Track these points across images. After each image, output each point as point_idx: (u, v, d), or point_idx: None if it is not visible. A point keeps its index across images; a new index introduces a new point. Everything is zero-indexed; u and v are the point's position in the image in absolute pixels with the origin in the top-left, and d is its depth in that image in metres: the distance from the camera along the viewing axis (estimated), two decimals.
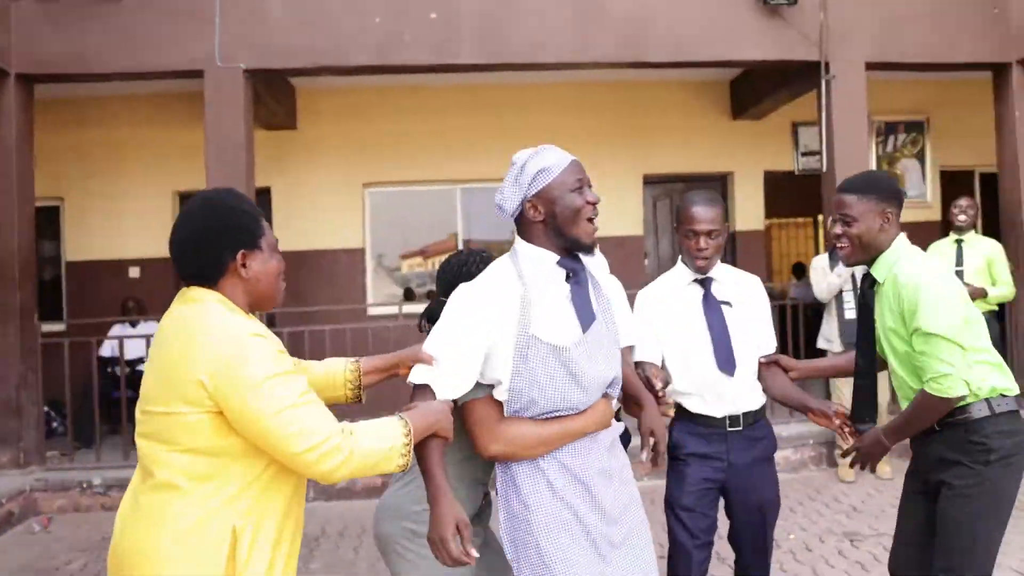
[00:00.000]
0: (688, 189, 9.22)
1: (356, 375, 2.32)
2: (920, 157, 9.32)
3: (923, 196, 9.28)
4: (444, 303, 2.27)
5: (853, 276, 6.08)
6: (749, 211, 9.20)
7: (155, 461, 1.83)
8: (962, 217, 6.16)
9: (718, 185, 9.30)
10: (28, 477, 6.20)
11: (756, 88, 8.39)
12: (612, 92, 8.79)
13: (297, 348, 6.10)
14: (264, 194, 8.43)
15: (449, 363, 2.15)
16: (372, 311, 8.19)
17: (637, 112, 8.87)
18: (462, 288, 2.25)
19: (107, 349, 7.39)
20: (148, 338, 6.82)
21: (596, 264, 2.77)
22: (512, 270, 2.24)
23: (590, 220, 2.25)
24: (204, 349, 1.78)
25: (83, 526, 5.88)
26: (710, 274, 3.07)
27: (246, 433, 1.80)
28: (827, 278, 6.25)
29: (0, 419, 6.20)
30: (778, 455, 6.35)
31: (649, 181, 9.05)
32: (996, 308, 6.09)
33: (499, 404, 2.20)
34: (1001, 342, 7.27)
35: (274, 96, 7.55)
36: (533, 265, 2.23)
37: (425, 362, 2.16)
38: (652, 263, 9.27)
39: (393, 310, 7.69)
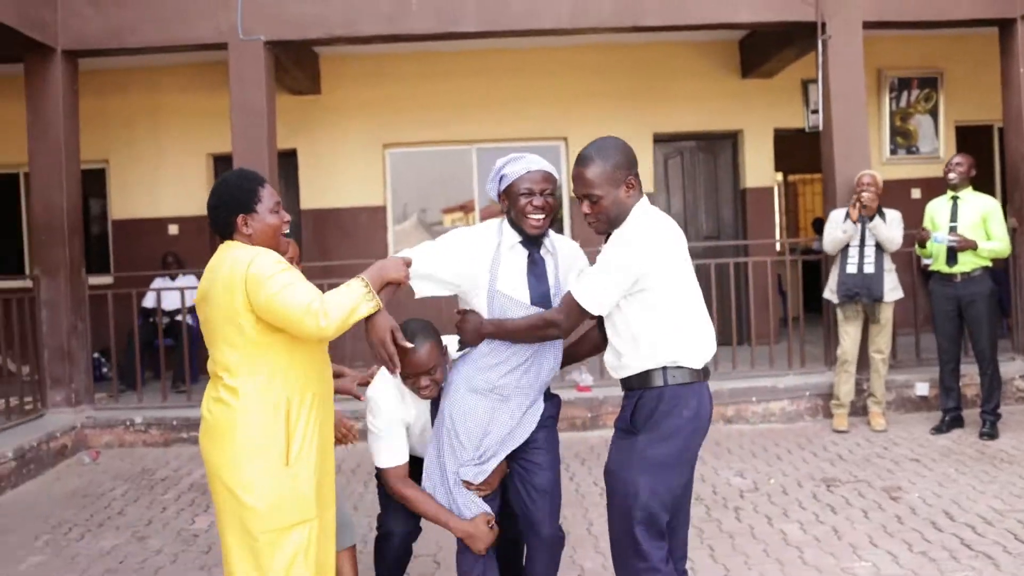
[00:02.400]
0: (698, 147, 9.48)
1: None
2: (934, 112, 9.37)
3: (936, 152, 9.35)
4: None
5: (863, 231, 6.28)
6: (759, 168, 9.36)
7: (220, 362, 2.55)
8: (952, 175, 6.25)
9: (729, 143, 9.51)
10: (79, 415, 6.86)
11: (764, 47, 8.51)
12: (619, 53, 8.99)
13: None
14: (290, 156, 8.92)
15: (421, 266, 2.84)
16: None
17: (645, 73, 9.07)
18: (457, 229, 3.03)
19: (148, 300, 7.98)
20: (185, 290, 7.42)
21: (563, 246, 3.12)
22: (496, 230, 2.99)
23: (536, 218, 2.88)
24: (237, 267, 2.48)
25: (126, 459, 6.54)
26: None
27: (267, 316, 2.47)
28: (834, 232, 6.46)
29: (54, 363, 6.85)
30: (774, 405, 6.75)
31: (659, 139, 9.26)
32: (989, 263, 6.18)
33: None
34: (1007, 301, 7.45)
35: (297, 63, 7.98)
36: (507, 237, 2.94)
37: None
38: None
39: None
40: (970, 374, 6.58)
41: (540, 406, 3.03)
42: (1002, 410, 6.25)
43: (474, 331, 2.90)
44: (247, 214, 2.58)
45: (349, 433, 3.32)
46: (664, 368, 2.68)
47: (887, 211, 6.36)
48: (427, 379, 2.95)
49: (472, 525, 2.92)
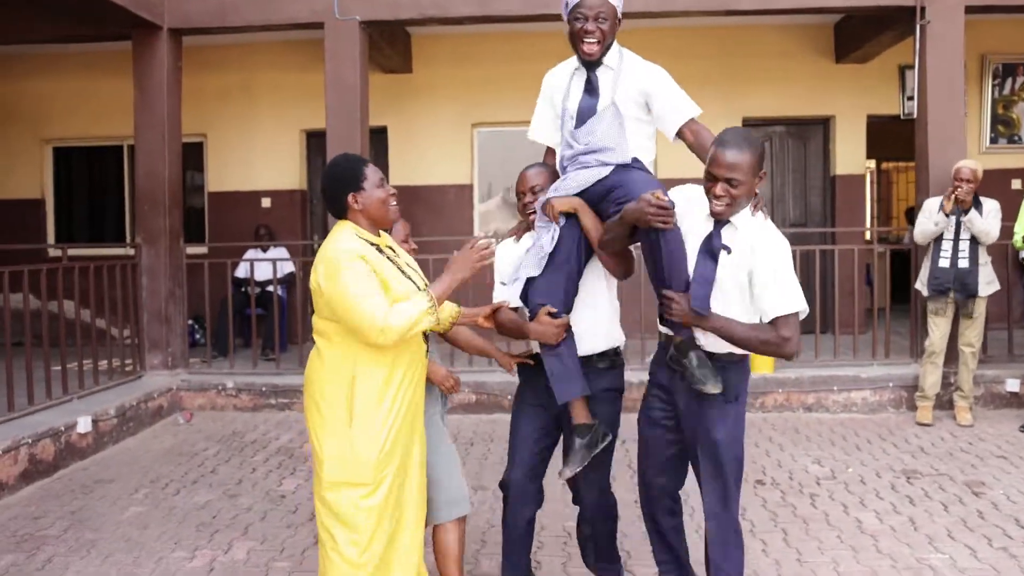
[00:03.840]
0: (788, 132, 9.32)
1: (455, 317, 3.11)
2: None
3: None
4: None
5: (958, 224, 6.13)
6: (850, 155, 9.16)
7: (315, 324, 2.82)
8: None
9: (820, 128, 9.32)
10: (175, 378, 7.21)
11: (859, 31, 8.30)
12: (707, 36, 8.89)
13: None
14: (381, 133, 9.11)
15: (534, 123, 3.51)
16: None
17: (736, 56, 8.94)
18: None
19: (241, 271, 8.28)
20: (276, 262, 7.69)
21: (629, 62, 3.29)
22: (572, 60, 3.32)
23: (588, 42, 3.15)
24: (321, 257, 2.73)
25: (218, 421, 6.86)
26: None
27: (336, 309, 2.68)
28: (926, 223, 6.30)
29: (152, 328, 7.21)
30: (856, 395, 6.66)
31: (748, 123, 9.10)
32: None
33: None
34: None
35: (390, 43, 8.15)
36: (573, 63, 3.31)
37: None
38: None
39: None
40: None
41: None
42: None
43: (685, 314, 2.81)
44: (356, 192, 2.78)
45: (456, 385, 3.41)
46: None
47: (984, 201, 6.17)
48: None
49: (537, 323, 3.08)
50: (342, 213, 2.84)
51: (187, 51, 7.56)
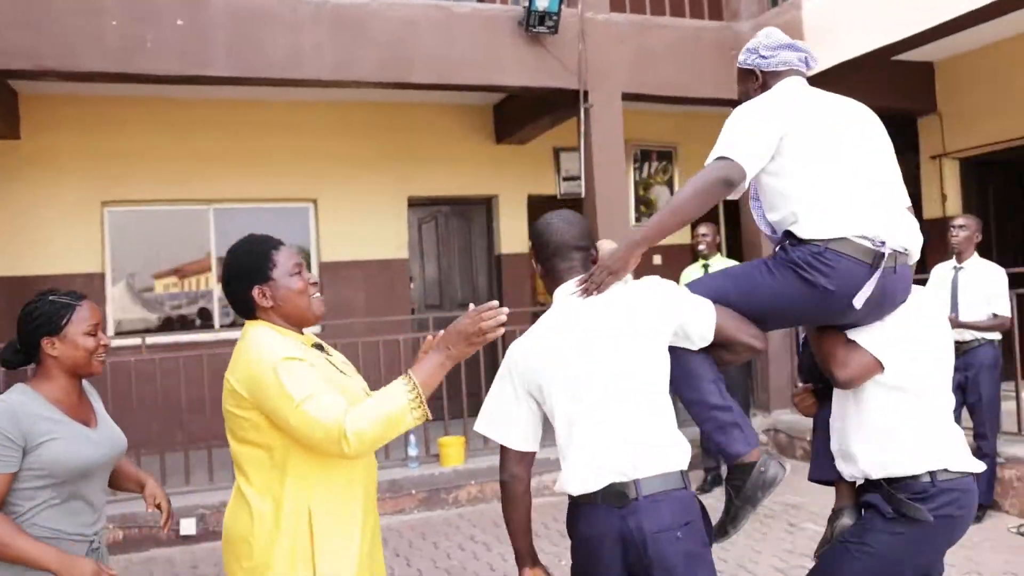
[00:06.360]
0: (453, 212, 9.23)
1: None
2: (670, 184, 9.88)
3: None
4: (17, 349, 2.49)
5: None
6: (514, 234, 9.29)
7: (237, 458, 2.25)
8: (702, 245, 6.56)
9: (484, 208, 9.37)
10: None
11: (518, 113, 8.51)
12: (375, 113, 8.61)
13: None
14: None
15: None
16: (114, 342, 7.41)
17: (401, 134, 8.73)
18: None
19: None
20: None
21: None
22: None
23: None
24: (238, 365, 2.21)
25: None
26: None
27: (281, 427, 2.13)
28: None
29: None
30: (547, 478, 6.45)
31: (414, 204, 8.94)
32: None
33: None
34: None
35: None
36: None
37: None
38: (419, 286, 9.15)
39: (136, 341, 6.96)
40: None
41: None
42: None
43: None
44: (262, 283, 2.28)
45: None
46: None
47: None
48: None
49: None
50: (246, 312, 2.33)
51: None
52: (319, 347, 2.38)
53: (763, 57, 2.55)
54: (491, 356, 6.56)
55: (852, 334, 2.42)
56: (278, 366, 2.12)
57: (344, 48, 6.33)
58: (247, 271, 2.30)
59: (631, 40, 7.22)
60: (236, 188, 8.11)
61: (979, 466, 2.44)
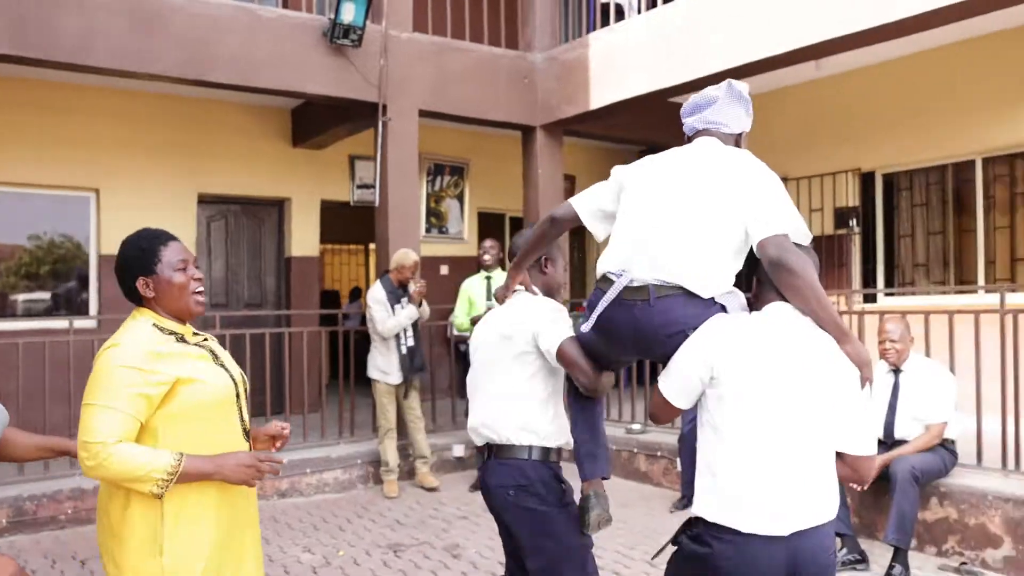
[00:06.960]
0: (244, 212, 9.19)
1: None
2: (460, 198, 10.34)
3: (461, 233, 10.32)
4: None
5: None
6: (305, 237, 9.41)
7: None
8: (487, 257, 7.06)
9: (276, 210, 9.39)
10: None
11: (317, 119, 8.64)
12: (168, 104, 8.43)
13: None
14: None
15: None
16: None
17: (194, 129, 8.60)
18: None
19: None
20: None
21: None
22: None
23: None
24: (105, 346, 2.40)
25: None
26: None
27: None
28: (395, 317, 6.60)
29: None
30: (328, 475, 6.66)
31: (204, 201, 8.81)
32: None
33: None
34: None
35: None
36: None
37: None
38: (205, 284, 8.90)
39: None
40: None
41: None
42: None
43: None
44: (147, 276, 2.46)
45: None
46: None
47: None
48: None
49: None
50: (134, 300, 2.51)
51: None
52: (198, 335, 2.56)
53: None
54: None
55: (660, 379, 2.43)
56: (110, 367, 2.30)
57: (142, 39, 6.22)
58: (134, 262, 2.48)
59: (431, 60, 7.57)
60: (8, 172, 7.68)
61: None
